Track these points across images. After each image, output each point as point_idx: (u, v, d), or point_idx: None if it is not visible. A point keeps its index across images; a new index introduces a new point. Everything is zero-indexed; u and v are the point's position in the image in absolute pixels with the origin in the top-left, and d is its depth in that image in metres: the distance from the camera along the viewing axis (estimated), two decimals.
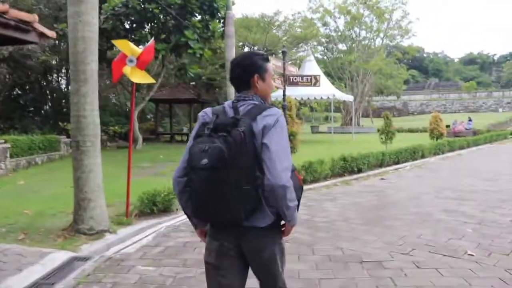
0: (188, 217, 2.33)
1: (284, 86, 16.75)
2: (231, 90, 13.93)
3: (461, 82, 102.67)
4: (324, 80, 26.80)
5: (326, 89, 25.03)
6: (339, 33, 43.22)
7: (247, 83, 2.28)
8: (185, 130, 28.55)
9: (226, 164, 1.96)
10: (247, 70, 2.27)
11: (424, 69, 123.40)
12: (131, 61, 5.96)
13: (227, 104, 2.29)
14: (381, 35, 43.52)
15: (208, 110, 2.31)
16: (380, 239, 5.29)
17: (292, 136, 14.32)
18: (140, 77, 6.15)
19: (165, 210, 6.73)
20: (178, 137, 26.70)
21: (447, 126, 28.85)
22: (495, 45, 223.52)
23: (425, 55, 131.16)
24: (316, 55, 40.40)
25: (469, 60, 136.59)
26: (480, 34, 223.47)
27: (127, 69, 5.90)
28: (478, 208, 7.04)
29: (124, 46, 6.14)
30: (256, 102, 2.24)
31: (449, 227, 5.83)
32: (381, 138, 16.50)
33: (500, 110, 69.94)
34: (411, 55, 53.50)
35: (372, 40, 43.92)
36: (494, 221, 6.13)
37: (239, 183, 2.01)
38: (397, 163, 13.53)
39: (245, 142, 2.02)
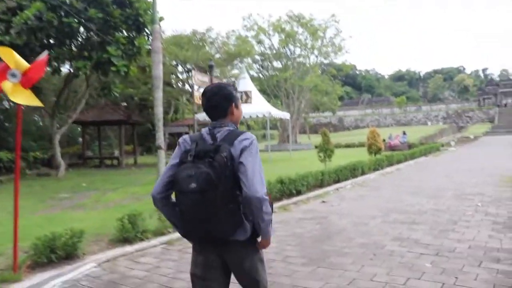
0: (174, 225, 2.53)
1: None
2: (159, 110, 12.80)
3: (392, 98, 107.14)
4: (259, 98, 26.16)
5: (262, 107, 24.31)
6: (274, 51, 43.08)
7: (226, 111, 2.49)
8: (116, 153, 26.81)
9: (213, 186, 2.16)
10: (227, 99, 2.49)
11: (357, 86, 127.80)
12: (13, 75, 4.75)
13: (204, 131, 2.48)
14: (316, 52, 43.81)
15: (186, 137, 2.50)
16: (327, 284, 4.36)
17: None
18: (23, 98, 4.85)
19: (68, 257, 5.47)
20: (108, 161, 24.98)
21: (383, 141, 28.99)
22: (421, 62, 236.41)
23: (357, 72, 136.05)
24: (251, 73, 40.01)
25: (398, 77, 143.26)
26: (407, 52, 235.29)
27: (7, 85, 4.66)
28: (431, 234, 6.33)
29: (7, 55, 4.85)
30: (231, 128, 2.46)
31: (405, 261, 5.01)
32: (320, 156, 15.87)
33: (429, 123, 73.39)
34: (345, 72, 54.50)
35: (307, 58, 44.12)
36: (452, 250, 5.38)
37: (225, 202, 2.21)
38: (338, 181, 12.84)
39: (227, 166, 2.23)
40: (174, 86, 28.71)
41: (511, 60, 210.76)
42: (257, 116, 24.94)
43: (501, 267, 4.68)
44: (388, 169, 17.19)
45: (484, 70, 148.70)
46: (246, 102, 19.13)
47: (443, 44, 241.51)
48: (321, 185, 11.91)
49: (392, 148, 30.28)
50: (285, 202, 9.64)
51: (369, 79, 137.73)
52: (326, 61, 48.20)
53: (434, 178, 13.86)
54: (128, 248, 6.05)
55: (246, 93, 19.37)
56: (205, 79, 15.89)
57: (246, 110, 22.94)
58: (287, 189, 10.10)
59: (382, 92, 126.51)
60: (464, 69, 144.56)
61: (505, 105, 78.55)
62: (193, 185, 2.16)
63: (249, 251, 2.43)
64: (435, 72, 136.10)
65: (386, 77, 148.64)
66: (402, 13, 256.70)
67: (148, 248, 6.07)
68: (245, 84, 24.76)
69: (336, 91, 52.11)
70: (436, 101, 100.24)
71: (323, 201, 9.87)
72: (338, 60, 48.73)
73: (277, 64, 44.46)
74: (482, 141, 42.47)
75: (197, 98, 16.92)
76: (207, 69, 24.79)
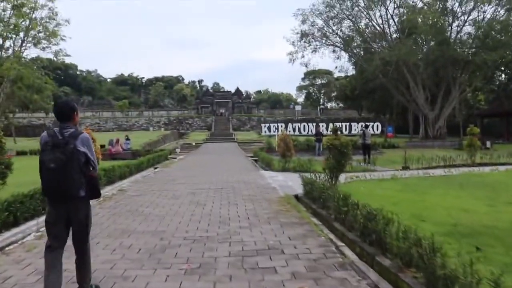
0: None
1: None
2: None
3: (114, 101, 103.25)
4: None
5: None
6: None
7: (71, 117, 4.01)
8: None
9: (65, 166, 3.72)
10: (73, 109, 4.06)
11: (77, 87, 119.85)
12: None
13: (56, 130, 3.89)
14: (22, 34, 35.24)
15: (45, 133, 3.92)
16: None
17: None
18: None
19: None
20: None
21: (102, 147, 23.81)
22: (143, 69, 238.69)
23: (78, 72, 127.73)
24: None
25: (121, 81, 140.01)
26: (130, 57, 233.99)
27: None
28: None
29: None
30: (73, 129, 3.94)
31: None
32: None
33: (151, 129, 72.90)
34: (61, 65, 46.73)
35: (9, 39, 35.14)
36: None
37: (73, 174, 3.76)
38: (16, 224, 7.18)
39: (73, 153, 3.77)
40: None
41: (221, 75, 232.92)
42: None
43: None
44: (108, 190, 12.02)
45: (200, 81, 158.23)
46: None
47: (164, 52, 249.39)
48: None
49: (113, 156, 25.42)
50: None
51: (90, 81, 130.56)
52: (37, 49, 39.36)
53: (180, 208, 9.23)
54: None
55: None
56: None
57: None
58: None
59: (104, 95, 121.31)
60: (183, 79, 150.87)
61: (221, 114, 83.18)
62: (52, 165, 3.70)
63: (85, 205, 4.00)
64: (157, 79, 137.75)
65: (108, 80, 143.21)
66: (128, 13, 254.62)
67: None
68: None
69: (49, 87, 43.89)
70: (157, 108, 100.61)
71: None
72: (53, 49, 40.19)
73: None
74: (204, 147, 42.37)
75: None
76: None
